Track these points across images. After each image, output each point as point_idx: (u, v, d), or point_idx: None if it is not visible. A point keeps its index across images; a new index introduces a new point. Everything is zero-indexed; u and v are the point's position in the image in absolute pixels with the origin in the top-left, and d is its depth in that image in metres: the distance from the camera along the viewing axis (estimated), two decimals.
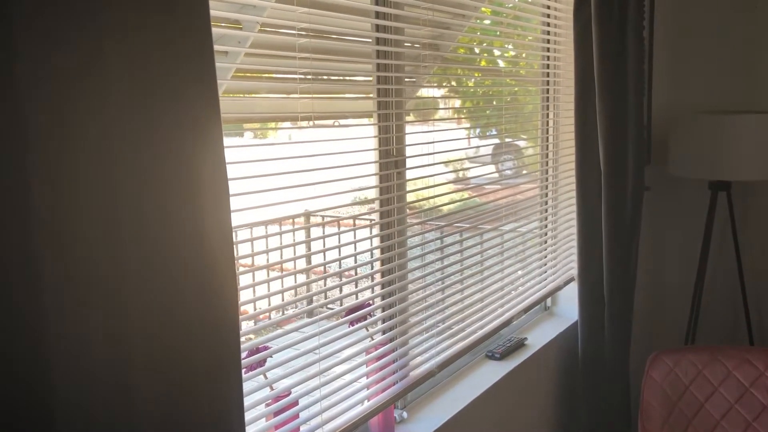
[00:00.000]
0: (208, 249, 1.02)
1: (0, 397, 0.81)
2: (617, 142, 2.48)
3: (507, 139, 2.52)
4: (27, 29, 0.79)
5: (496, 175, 2.66)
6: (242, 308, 1.55)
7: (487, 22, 2.45)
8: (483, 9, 2.32)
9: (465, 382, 2.22)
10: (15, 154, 0.80)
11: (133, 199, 0.92)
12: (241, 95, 1.59)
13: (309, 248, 1.73)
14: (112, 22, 0.88)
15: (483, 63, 2.55)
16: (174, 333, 0.99)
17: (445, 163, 2.06)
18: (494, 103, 2.48)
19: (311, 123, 1.74)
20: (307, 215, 4.03)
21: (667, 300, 3.11)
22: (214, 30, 1.42)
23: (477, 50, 2.55)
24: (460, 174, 2.28)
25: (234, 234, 1.09)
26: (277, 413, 1.49)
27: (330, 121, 1.91)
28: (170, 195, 0.96)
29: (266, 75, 1.61)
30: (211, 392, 1.04)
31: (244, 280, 2.59)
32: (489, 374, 2.27)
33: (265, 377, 1.49)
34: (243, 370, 1.44)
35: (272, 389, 1.50)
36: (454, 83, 2.88)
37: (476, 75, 2.55)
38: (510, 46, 2.55)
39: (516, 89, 2.63)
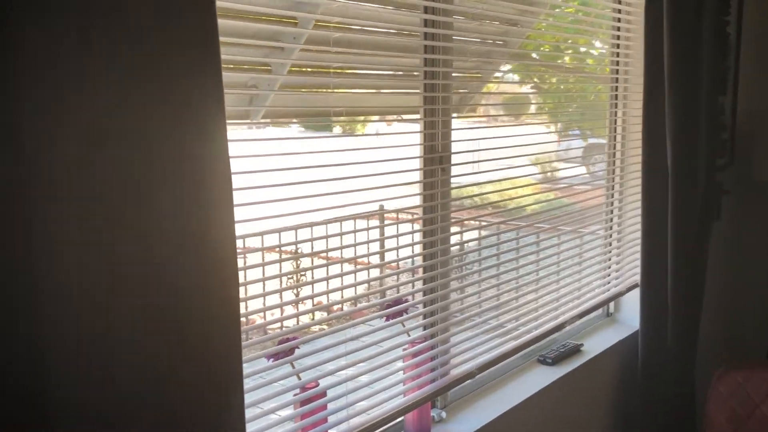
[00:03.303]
0: (211, 249, 1.03)
1: None
2: (686, 143, 2.35)
3: (590, 139, 2.44)
4: (26, 27, 0.82)
5: (563, 174, 2.59)
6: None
7: (553, 18, 2.38)
8: (552, 5, 2.25)
9: (511, 385, 2.16)
10: (14, 153, 0.83)
11: (133, 198, 0.94)
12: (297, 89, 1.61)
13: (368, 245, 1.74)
14: (113, 20, 0.90)
15: (553, 59, 2.48)
16: (171, 334, 1.00)
17: (493, 159, 2.01)
18: (562, 100, 2.41)
19: (399, 117, 1.75)
20: (381, 213, 4.05)
21: (748, 312, 2.92)
22: (269, 27, 1.45)
23: (546, 48, 2.49)
24: (525, 172, 2.23)
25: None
26: (303, 402, 1.51)
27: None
28: (170, 193, 0.98)
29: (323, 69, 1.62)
30: (210, 390, 1.06)
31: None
32: (538, 379, 2.21)
33: (293, 366, 1.50)
34: (270, 359, 1.46)
35: (300, 379, 1.51)
36: (516, 77, 2.83)
37: (540, 70, 2.48)
38: (569, 39, 2.47)
39: (581, 85, 2.55)
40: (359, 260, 1.86)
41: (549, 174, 2.57)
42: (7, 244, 0.83)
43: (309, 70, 1.65)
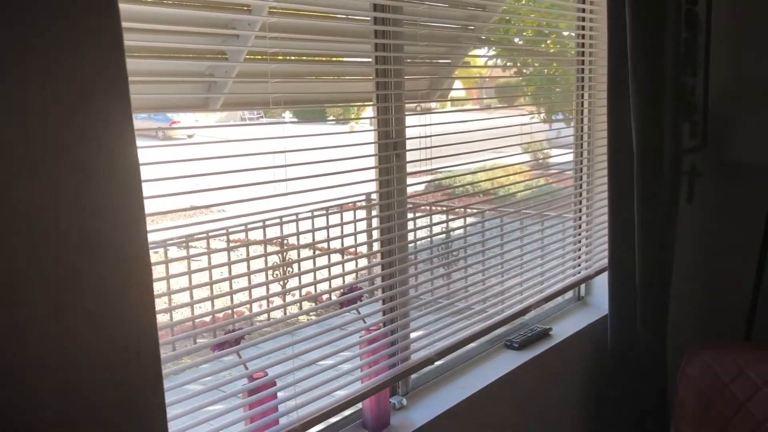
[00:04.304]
0: (118, 249, 1.02)
1: None
2: (651, 125, 2.33)
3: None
4: None
5: (527, 157, 2.57)
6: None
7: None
8: None
9: (476, 370, 2.16)
10: None
11: (34, 199, 0.93)
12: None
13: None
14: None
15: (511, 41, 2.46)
16: (78, 336, 0.99)
17: (445, 144, 2.00)
18: (528, 84, 2.39)
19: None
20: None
21: (721, 294, 2.92)
22: (224, 14, 1.43)
23: (526, 32, 2.47)
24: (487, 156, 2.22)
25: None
26: (251, 393, 1.50)
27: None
28: (74, 193, 0.97)
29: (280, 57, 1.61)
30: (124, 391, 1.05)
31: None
32: (504, 364, 2.20)
33: (239, 356, 1.50)
34: (215, 350, 1.46)
35: (247, 368, 1.51)
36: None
37: (505, 53, 2.46)
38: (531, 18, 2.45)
39: (545, 70, 2.53)
40: (320, 248, 1.86)
41: (528, 159, 2.57)
42: None
43: (262, 57, 1.64)
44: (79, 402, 0.99)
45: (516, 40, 2.52)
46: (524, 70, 2.66)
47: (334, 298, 1.73)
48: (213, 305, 1.50)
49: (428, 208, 2.15)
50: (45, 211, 0.94)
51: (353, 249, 1.90)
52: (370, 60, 1.79)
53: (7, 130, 0.89)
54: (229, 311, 1.60)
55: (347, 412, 1.80)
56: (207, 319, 1.93)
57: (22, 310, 0.93)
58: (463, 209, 2.62)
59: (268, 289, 1.80)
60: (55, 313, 0.96)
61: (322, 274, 1.69)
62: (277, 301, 1.71)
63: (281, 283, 1.67)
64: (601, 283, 2.72)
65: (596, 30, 2.53)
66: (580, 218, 2.60)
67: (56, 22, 0.93)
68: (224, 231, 1.98)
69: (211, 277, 1.52)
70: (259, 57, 1.62)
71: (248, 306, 2.39)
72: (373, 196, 1.89)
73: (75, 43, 0.95)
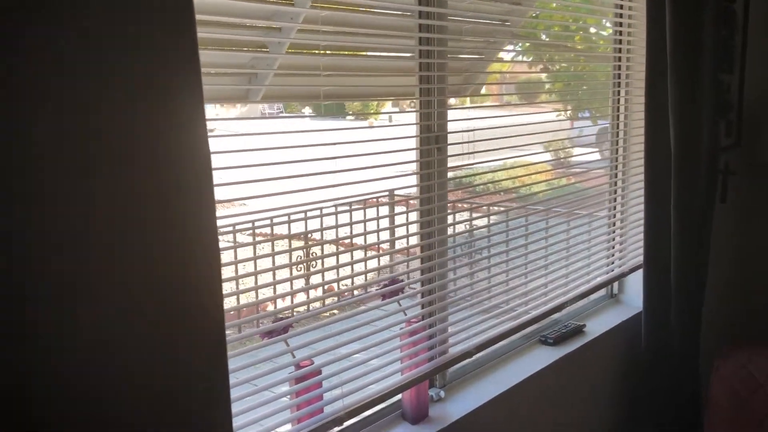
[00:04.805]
0: (191, 239, 1.04)
1: None
2: (690, 123, 2.33)
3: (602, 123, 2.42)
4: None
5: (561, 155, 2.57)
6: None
7: None
8: None
9: (512, 365, 2.17)
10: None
11: (113, 191, 0.96)
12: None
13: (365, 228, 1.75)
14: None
15: (556, 38, 2.47)
16: (152, 325, 1.02)
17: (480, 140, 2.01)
18: (564, 81, 2.39)
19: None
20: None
21: (754, 293, 2.90)
22: (266, 7, 1.45)
23: (555, 28, 2.47)
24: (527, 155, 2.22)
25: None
26: (298, 380, 1.52)
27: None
28: (149, 185, 0.99)
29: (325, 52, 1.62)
30: (194, 380, 1.07)
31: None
32: (539, 359, 2.21)
33: (287, 344, 1.52)
34: (264, 338, 1.48)
35: (294, 356, 1.53)
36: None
37: (540, 50, 2.47)
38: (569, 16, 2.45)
39: (583, 66, 2.53)
40: (358, 245, 1.88)
41: (555, 158, 2.57)
42: None
43: (305, 52, 1.65)
44: (154, 382, 1.02)
45: (543, 37, 2.53)
46: (557, 67, 2.66)
47: (373, 290, 1.75)
48: (257, 295, 1.53)
49: (461, 205, 2.16)
50: (126, 204, 0.96)
51: (393, 244, 1.92)
52: (412, 54, 1.80)
53: (85, 124, 0.92)
54: (274, 301, 1.62)
55: (386, 403, 1.81)
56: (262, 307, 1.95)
57: (98, 304, 0.96)
58: (501, 207, 2.63)
59: (307, 281, 1.82)
60: (134, 304, 0.99)
61: (359, 268, 1.71)
62: (320, 292, 1.73)
63: (323, 274, 1.69)
64: (633, 281, 2.71)
65: (634, 27, 2.52)
66: (614, 215, 2.60)
67: (133, 16, 0.95)
68: (268, 222, 2.00)
69: (256, 267, 1.53)
70: (304, 51, 1.63)
71: (292, 296, 2.41)
72: (413, 190, 1.90)
73: (152, 37, 0.97)
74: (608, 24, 2.57)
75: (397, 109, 1.90)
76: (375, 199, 2.34)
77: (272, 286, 1.72)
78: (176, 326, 1.03)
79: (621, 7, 2.49)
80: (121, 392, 0.99)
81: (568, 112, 2.63)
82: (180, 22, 0.99)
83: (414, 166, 1.82)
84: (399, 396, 1.82)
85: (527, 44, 2.43)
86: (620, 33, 2.51)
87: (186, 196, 1.02)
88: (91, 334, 0.95)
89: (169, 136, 1.00)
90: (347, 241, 1.78)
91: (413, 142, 1.81)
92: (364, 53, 1.76)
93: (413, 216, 1.86)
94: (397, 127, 1.89)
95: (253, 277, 1.56)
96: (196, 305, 1.04)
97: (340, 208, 2.46)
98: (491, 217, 2.52)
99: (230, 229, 1.71)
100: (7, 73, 0.83)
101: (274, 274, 1.55)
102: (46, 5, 0.86)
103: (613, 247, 2.60)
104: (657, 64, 2.32)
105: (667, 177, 2.39)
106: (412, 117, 1.81)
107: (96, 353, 0.96)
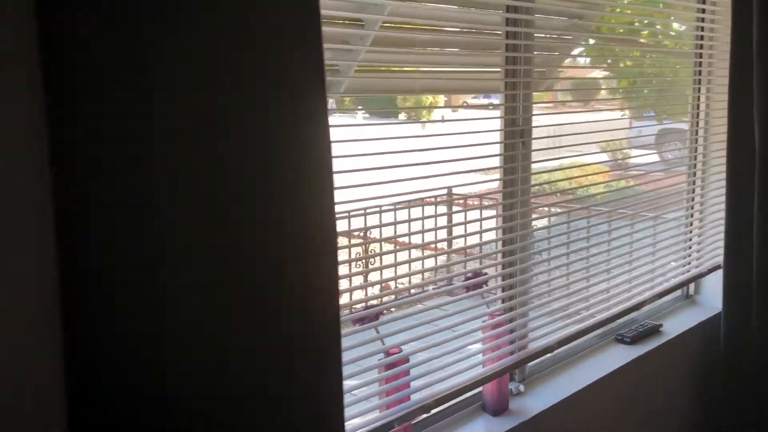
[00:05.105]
0: (311, 235, 1.07)
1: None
2: None
3: (666, 123, 2.39)
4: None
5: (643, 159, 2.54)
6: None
7: None
8: None
9: (589, 362, 2.16)
10: (143, 153, 0.91)
11: (241, 193, 0.99)
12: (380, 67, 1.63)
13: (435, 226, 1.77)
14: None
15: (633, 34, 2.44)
16: (274, 320, 1.04)
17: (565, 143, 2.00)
18: (638, 80, 2.37)
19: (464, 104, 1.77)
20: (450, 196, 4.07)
21: None
22: (336, 30, 1.48)
23: (636, 23, 2.44)
24: (601, 157, 2.20)
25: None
26: (387, 367, 1.55)
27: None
28: (274, 180, 1.02)
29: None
30: (308, 367, 1.10)
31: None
32: (616, 357, 2.19)
33: (377, 331, 1.55)
34: (356, 324, 1.51)
35: (383, 344, 1.55)
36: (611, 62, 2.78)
37: (614, 51, 2.44)
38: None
39: (659, 63, 2.49)
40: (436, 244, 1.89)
41: (622, 160, 2.54)
42: (133, 242, 0.90)
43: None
44: (278, 362, 1.06)
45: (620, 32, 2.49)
46: (624, 64, 2.63)
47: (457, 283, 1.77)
48: (350, 283, 1.56)
49: (545, 202, 2.16)
50: (254, 203, 1.00)
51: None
52: (499, 51, 1.81)
53: (217, 129, 0.96)
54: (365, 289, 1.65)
55: (468, 395, 1.82)
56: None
57: (229, 294, 1.00)
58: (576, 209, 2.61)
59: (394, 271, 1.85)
60: (260, 297, 1.03)
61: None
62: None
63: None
64: (709, 282, 2.66)
65: (717, 22, 2.47)
66: (692, 215, 2.55)
67: (263, 20, 0.99)
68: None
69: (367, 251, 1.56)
70: (396, 50, 1.65)
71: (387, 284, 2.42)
72: (495, 184, 1.91)
73: (282, 44, 1.01)
74: (682, 20, 2.53)
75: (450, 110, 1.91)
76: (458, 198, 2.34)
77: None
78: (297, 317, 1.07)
79: (704, 2, 2.44)
80: (244, 379, 1.02)
81: (634, 111, 2.58)
82: (306, 20, 1.03)
83: (497, 161, 1.83)
84: (479, 388, 1.83)
85: (592, 42, 2.40)
86: (702, 29, 2.47)
87: (309, 192, 1.05)
88: (223, 336, 0.99)
89: (296, 135, 1.03)
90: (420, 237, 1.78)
91: (496, 137, 1.81)
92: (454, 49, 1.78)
93: (486, 213, 1.86)
94: (476, 122, 1.90)
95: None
96: (316, 301, 1.08)
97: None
98: (570, 215, 2.51)
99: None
100: (155, 78, 0.88)
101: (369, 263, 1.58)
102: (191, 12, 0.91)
103: (690, 248, 2.55)
104: (742, 61, 2.27)
105: (750, 176, 2.33)
106: (487, 112, 1.82)
107: (226, 352, 1.00)
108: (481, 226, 1.81)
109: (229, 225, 0.97)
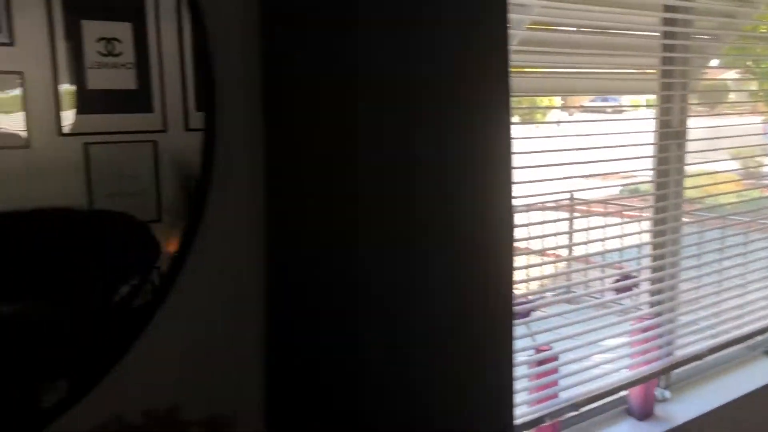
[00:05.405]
0: (489, 228, 1.12)
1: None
2: None
3: None
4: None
5: None
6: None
7: None
8: None
9: (736, 375, 2.08)
10: (349, 154, 0.99)
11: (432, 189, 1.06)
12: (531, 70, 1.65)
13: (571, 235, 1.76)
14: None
15: None
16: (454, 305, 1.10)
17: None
18: None
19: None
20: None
21: None
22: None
23: None
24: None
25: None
26: (538, 363, 1.57)
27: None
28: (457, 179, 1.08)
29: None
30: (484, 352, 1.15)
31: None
32: (763, 373, 2.09)
33: (528, 328, 1.57)
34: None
35: (534, 339, 1.57)
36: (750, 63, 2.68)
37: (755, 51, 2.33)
38: None
39: None
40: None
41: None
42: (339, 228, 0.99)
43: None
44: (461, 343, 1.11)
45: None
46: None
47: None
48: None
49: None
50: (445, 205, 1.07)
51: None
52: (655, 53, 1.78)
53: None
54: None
55: (613, 397, 1.80)
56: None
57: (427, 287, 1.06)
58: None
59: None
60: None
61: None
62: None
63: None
64: None
65: None
66: None
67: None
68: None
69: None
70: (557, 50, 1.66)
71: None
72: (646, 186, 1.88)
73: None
74: None
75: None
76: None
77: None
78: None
79: None
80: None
81: None
82: (496, 37, 1.08)
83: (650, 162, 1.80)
84: (625, 391, 1.80)
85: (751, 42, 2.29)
86: None
87: (490, 189, 1.11)
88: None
89: (484, 141, 1.09)
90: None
91: (649, 138, 1.79)
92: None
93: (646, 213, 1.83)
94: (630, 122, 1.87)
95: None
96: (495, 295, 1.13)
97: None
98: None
99: None
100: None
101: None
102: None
103: None
104: None
105: None
106: (638, 113, 1.80)
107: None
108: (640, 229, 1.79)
109: (428, 222, 1.03)
